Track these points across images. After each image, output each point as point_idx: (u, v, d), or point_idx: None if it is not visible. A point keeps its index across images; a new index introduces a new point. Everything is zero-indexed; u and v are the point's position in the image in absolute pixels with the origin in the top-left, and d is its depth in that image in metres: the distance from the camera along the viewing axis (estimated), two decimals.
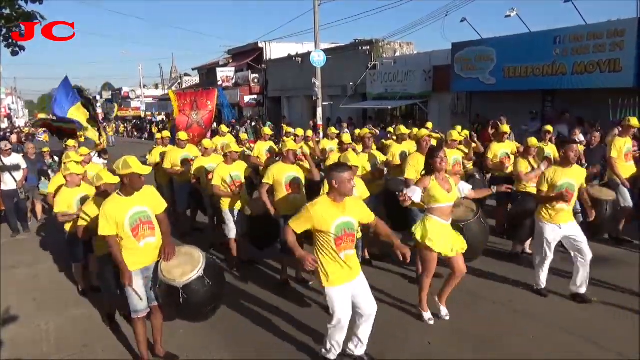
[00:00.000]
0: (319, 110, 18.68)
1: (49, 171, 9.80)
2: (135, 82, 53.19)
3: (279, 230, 5.43)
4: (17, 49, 6.61)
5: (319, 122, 18.24)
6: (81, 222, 4.61)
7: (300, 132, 8.16)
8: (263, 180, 5.54)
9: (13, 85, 65.59)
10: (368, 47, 19.67)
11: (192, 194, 7.63)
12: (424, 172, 4.56)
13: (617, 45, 10.89)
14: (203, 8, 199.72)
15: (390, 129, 9.89)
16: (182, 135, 8.08)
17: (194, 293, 3.77)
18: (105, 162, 10.87)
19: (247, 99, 27.63)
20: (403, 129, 7.29)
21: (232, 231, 6.20)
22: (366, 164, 6.27)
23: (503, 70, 13.60)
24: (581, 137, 8.62)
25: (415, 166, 5.51)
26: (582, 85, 11.70)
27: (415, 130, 9.05)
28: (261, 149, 8.35)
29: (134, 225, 3.81)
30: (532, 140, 6.36)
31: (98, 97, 58.27)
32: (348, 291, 3.61)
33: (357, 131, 8.65)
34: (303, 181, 5.60)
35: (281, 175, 5.44)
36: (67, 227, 5.36)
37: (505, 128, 7.38)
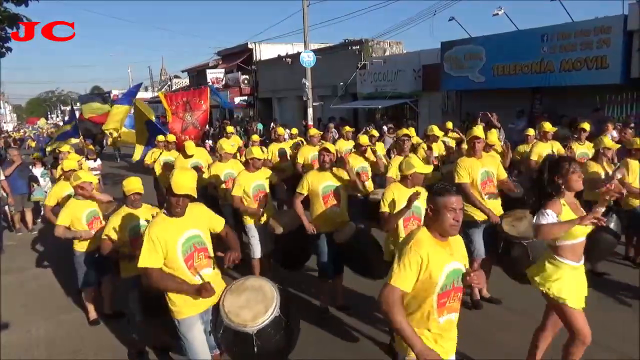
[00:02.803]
0: (310, 111, 18.68)
1: (42, 179, 9.47)
2: (125, 85, 52.83)
3: (313, 248, 4.75)
4: (4, 50, 6.54)
5: (310, 122, 18.23)
6: (110, 235, 4.06)
7: (314, 132, 7.63)
8: (297, 190, 4.71)
9: (1, 90, 64.84)
10: (358, 47, 19.70)
11: (206, 201, 6.75)
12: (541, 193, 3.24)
13: (604, 42, 11.00)
14: (192, 9, 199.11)
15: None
16: (190, 147, 7.06)
17: (270, 338, 2.94)
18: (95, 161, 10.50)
19: (237, 100, 27.51)
20: (435, 130, 6.64)
21: (256, 251, 5.38)
22: None
23: (492, 68, 13.67)
24: (614, 134, 7.70)
25: (468, 170, 4.62)
26: (570, 82, 11.81)
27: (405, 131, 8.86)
28: (274, 151, 8.01)
29: (187, 253, 3.06)
30: (607, 141, 5.32)
31: None
32: None
33: (374, 132, 8.17)
34: (344, 191, 4.74)
35: (318, 185, 4.59)
36: (80, 247, 4.75)
37: (549, 127, 6.49)
